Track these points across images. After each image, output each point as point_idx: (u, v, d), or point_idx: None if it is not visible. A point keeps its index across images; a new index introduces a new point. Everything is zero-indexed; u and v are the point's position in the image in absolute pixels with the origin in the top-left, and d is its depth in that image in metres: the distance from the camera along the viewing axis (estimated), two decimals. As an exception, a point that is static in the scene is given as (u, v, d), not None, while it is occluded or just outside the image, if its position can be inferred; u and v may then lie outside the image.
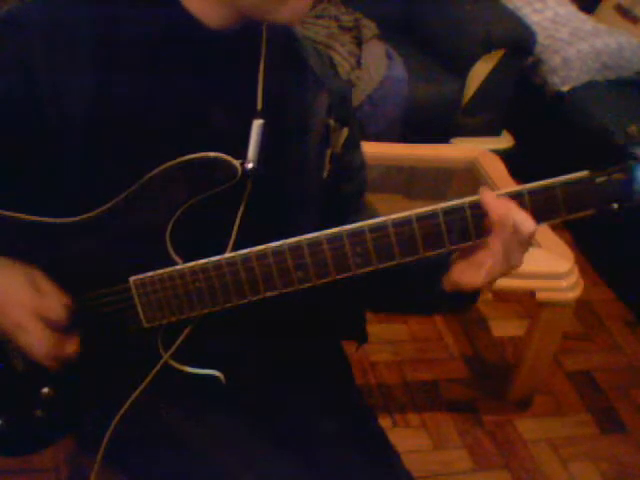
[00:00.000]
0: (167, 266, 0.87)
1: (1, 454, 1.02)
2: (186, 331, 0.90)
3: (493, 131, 2.88)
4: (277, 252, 0.84)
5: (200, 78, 0.89)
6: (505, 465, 1.84)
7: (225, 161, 0.84)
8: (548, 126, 2.81)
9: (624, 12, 3.02)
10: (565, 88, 2.75)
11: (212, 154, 0.84)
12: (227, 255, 0.85)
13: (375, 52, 2.60)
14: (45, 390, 0.94)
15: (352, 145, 1.01)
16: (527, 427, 1.95)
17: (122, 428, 0.93)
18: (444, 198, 0.82)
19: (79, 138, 0.86)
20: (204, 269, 0.86)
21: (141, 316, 0.90)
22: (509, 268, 0.83)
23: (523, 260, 0.84)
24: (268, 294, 0.86)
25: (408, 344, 2.16)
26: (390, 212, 0.83)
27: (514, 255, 0.82)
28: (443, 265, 0.88)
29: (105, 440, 0.94)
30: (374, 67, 2.54)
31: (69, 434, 1.02)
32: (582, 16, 2.97)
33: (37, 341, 0.86)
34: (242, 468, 0.94)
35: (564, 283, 1.76)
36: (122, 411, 0.93)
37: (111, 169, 0.87)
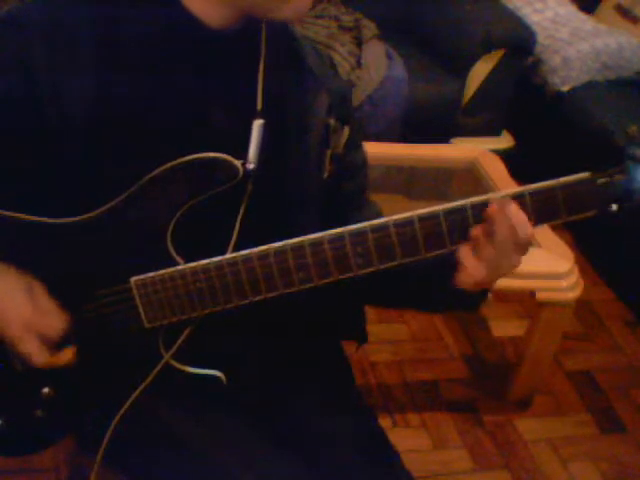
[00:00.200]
0: (168, 266, 0.87)
1: (1, 454, 1.02)
2: (187, 331, 0.90)
3: (493, 131, 2.88)
4: (278, 252, 0.83)
5: (200, 78, 0.89)
6: (505, 465, 1.84)
7: (226, 161, 0.84)
8: (548, 126, 2.81)
9: (624, 12, 3.02)
10: (565, 88, 2.75)
11: (213, 154, 0.84)
12: (228, 255, 0.85)
13: (375, 52, 2.60)
14: (45, 390, 0.94)
15: (353, 144, 1.01)
16: (527, 427, 1.95)
17: (122, 428, 0.93)
18: (444, 198, 0.82)
19: (79, 138, 0.86)
20: (205, 269, 0.86)
21: (142, 316, 0.90)
22: (505, 269, 0.83)
23: (522, 261, 0.83)
24: (269, 294, 0.86)
25: (408, 344, 2.16)
26: (390, 212, 0.83)
27: (511, 256, 0.82)
28: (454, 263, 0.87)
29: (105, 440, 0.94)
30: (374, 67, 2.54)
31: (69, 434, 1.02)
32: (582, 16, 2.97)
33: (34, 356, 0.88)
34: (242, 468, 0.94)
35: (564, 283, 1.76)
36: (122, 411, 0.93)
37: (111, 169, 0.87)
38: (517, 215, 0.79)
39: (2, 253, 0.89)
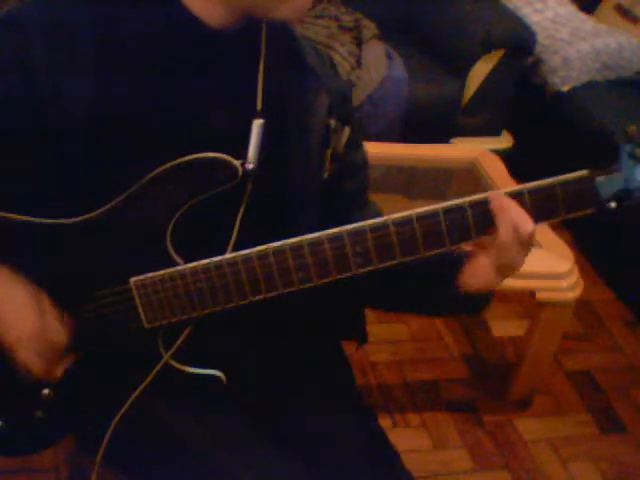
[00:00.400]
0: (168, 266, 0.87)
1: (1, 454, 1.02)
2: (187, 331, 0.90)
3: (493, 131, 2.88)
4: (278, 252, 0.84)
5: (200, 78, 0.89)
6: (505, 465, 1.84)
7: (225, 161, 0.84)
8: (548, 126, 2.81)
9: (624, 12, 3.02)
10: (565, 88, 2.75)
11: (212, 154, 0.84)
12: (228, 255, 0.85)
13: (375, 52, 2.60)
14: (45, 391, 0.94)
15: (354, 144, 1.01)
16: (527, 427, 1.95)
17: (122, 428, 0.93)
18: (444, 198, 0.82)
19: (79, 138, 0.86)
20: (205, 269, 0.86)
21: (142, 317, 0.89)
22: (510, 269, 0.83)
23: (525, 261, 0.84)
24: (269, 294, 0.86)
25: (408, 344, 2.16)
26: (390, 212, 0.83)
27: (514, 256, 0.82)
28: (457, 265, 0.88)
29: (105, 440, 0.94)
30: (374, 67, 2.54)
31: (69, 434, 1.02)
32: (582, 16, 2.97)
33: (33, 365, 0.88)
34: (242, 468, 0.94)
35: (564, 283, 1.76)
36: (122, 411, 0.93)
37: (111, 169, 0.87)
38: (517, 212, 0.79)
39: (2, 254, 0.89)
